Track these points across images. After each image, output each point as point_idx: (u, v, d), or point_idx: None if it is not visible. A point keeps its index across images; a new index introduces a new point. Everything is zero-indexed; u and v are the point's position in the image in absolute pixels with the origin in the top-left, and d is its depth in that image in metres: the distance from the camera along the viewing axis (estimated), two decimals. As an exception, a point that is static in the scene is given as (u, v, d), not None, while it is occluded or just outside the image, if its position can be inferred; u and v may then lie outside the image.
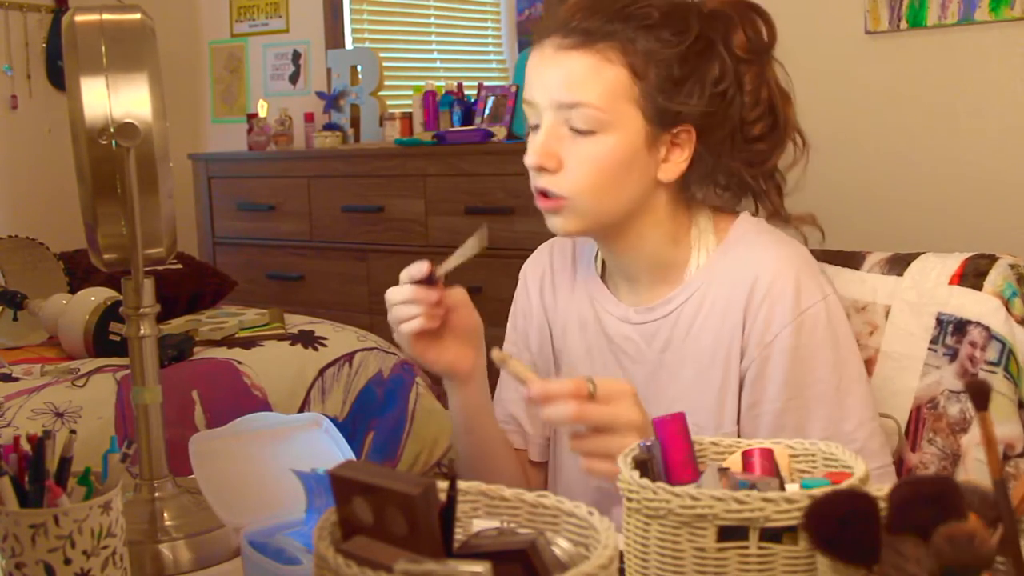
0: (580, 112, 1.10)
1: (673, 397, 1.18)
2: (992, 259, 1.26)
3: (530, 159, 1.13)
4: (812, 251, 1.25)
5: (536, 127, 1.14)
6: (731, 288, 1.15)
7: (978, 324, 1.22)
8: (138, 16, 1.07)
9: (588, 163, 1.11)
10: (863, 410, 1.13)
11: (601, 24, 1.10)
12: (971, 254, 1.28)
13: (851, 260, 1.35)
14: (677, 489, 0.74)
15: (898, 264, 1.31)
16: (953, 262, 1.28)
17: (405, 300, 1.14)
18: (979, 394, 0.68)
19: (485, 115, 3.38)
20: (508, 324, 1.38)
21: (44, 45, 4.02)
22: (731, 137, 1.16)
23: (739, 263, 1.16)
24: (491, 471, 1.25)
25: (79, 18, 1.05)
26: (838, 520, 0.66)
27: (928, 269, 1.29)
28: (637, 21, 1.11)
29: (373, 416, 2.28)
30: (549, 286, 1.32)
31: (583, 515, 0.71)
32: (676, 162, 1.14)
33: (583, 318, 1.26)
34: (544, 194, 1.14)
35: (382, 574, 0.61)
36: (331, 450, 1.10)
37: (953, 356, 1.24)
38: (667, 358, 1.19)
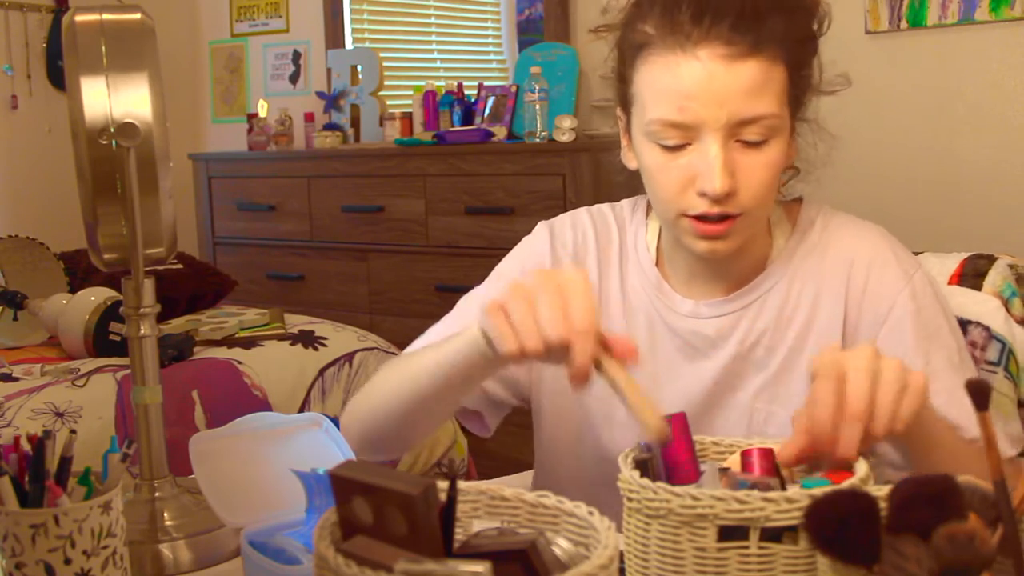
0: (758, 126, 1.01)
1: (761, 387, 1.12)
2: (991, 259, 1.26)
3: (722, 184, 1.00)
4: None
5: (678, 148, 1.03)
6: (824, 271, 1.11)
7: (978, 324, 1.23)
8: (138, 16, 1.07)
9: (761, 175, 1.02)
10: (973, 369, 1.13)
11: (764, 22, 1.00)
12: (970, 254, 1.28)
13: None
14: (677, 489, 0.74)
15: None
16: (952, 262, 1.28)
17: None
18: (979, 394, 0.68)
19: (485, 115, 3.38)
20: (502, 271, 1.28)
21: (44, 45, 4.02)
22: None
23: (825, 248, 1.13)
24: (420, 434, 1.17)
25: (79, 18, 1.05)
26: (838, 520, 0.66)
27: (928, 269, 1.27)
28: (784, 9, 1.02)
29: (373, 416, 2.28)
30: (592, 257, 1.20)
31: (583, 515, 0.71)
32: (795, 146, 1.11)
33: (643, 310, 1.17)
34: (720, 220, 1.03)
35: (382, 574, 0.61)
36: (331, 450, 1.10)
37: None
38: (751, 351, 1.12)
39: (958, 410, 1.04)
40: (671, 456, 0.84)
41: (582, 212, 1.25)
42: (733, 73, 0.98)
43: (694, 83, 0.99)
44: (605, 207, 1.25)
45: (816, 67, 1.09)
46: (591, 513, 0.71)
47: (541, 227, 1.26)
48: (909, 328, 1.08)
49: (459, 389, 1.08)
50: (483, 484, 0.77)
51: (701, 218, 1.04)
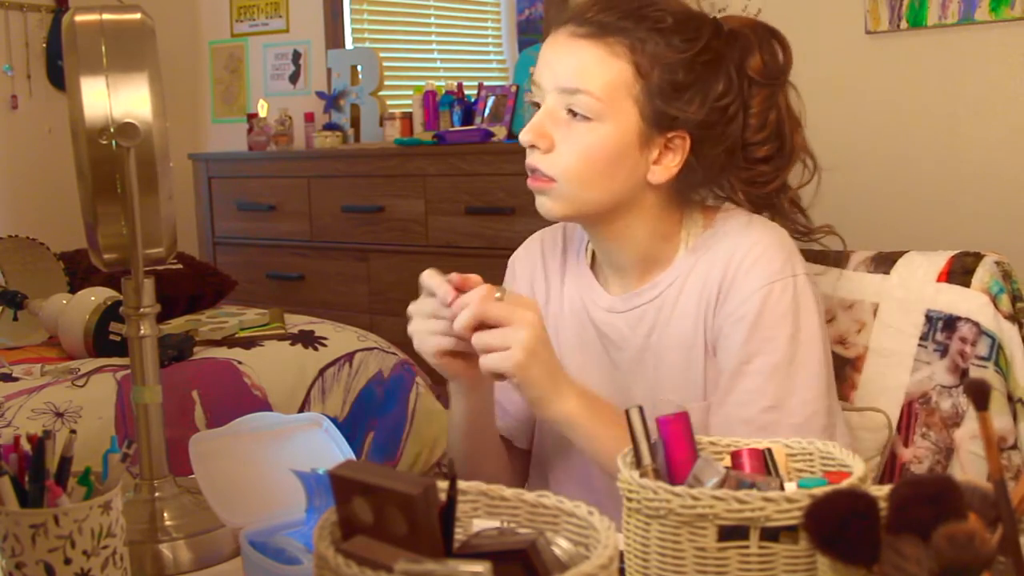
0: (580, 99, 1.12)
1: (660, 379, 1.20)
2: (978, 256, 1.28)
3: (524, 136, 1.16)
4: (802, 251, 1.25)
5: (538, 106, 1.17)
6: (709, 268, 1.17)
7: (967, 320, 1.25)
8: (138, 16, 1.07)
9: (579, 148, 1.13)
10: (812, 390, 1.13)
11: (615, 20, 1.13)
12: (956, 252, 1.30)
13: (837, 260, 1.37)
14: (678, 489, 0.74)
15: (883, 263, 1.34)
16: (940, 260, 1.30)
17: (430, 315, 1.13)
18: (979, 394, 0.68)
19: (485, 115, 3.38)
20: None
21: (44, 45, 4.02)
22: (729, 154, 1.18)
23: (719, 246, 1.18)
24: (485, 472, 1.25)
25: (79, 18, 1.05)
26: (838, 520, 0.66)
27: (915, 267, 1.31)
28: (650, 23, 1.13)
29: (373, 416, 2.28)
30: (541, 278, 1.33)
31: (583, 515, 0.71)
32: (667, 166, 1.16)
33: (574, 309, 1.28)
34: (534, 172, 1.17)
35: (382, 574, 0.61)
36: (331, 450, 1.10)
37: (944, 352, 1.26)
38: (652, 342, 1.21)
39: (748, 411, 1.12)
40: (673, 455, 0.84)
41: (535, 238, 1.37)
42: (571, 46, 1.14)
43: (544, 51, 1.17)
44: (560, 226, 1.36)
45: (695, 99, 1.14)
46: (591, 513, 0.71)
47: (510, 264, 1.40)
48: (745, 328, 1.14)
49: (474, 423, 1.23)
50: (483, 484, 0.77)
51: (530, 171, 1.17)
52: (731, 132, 1.17)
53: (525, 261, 1.36)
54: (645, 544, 0.76)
